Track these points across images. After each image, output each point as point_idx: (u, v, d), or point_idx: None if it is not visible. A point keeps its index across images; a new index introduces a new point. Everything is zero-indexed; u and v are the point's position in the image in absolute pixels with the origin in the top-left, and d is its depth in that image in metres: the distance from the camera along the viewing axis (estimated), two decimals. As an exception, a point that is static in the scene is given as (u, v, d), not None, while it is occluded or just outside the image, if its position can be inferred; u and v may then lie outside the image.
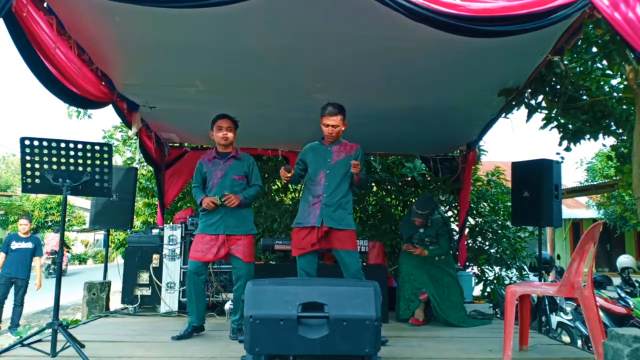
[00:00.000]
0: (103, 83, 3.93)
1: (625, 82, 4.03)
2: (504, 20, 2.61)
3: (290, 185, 8.13)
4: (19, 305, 6.31)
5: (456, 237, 6.10)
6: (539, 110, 4.37)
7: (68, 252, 18.48)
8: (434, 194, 6.41)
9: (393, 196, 7.26)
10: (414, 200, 6.98)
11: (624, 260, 6.25)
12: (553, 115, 4.43)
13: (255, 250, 6.20)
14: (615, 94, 4.33)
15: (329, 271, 3.82)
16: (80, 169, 3.14)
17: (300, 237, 3.48)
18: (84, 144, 3.15)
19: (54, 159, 3.08)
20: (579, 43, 4.05)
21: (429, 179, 6.88)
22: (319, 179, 3.49)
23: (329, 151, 3.55)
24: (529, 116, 4.32)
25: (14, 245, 6.34)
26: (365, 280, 3.27)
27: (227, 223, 3.59)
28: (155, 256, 4.90)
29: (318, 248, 3.47)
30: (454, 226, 6.20)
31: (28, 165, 3.05)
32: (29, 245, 6.43)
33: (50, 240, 16.00)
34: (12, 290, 6.34)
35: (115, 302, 5.14)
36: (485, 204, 7.03)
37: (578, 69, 4.41)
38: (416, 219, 4.48)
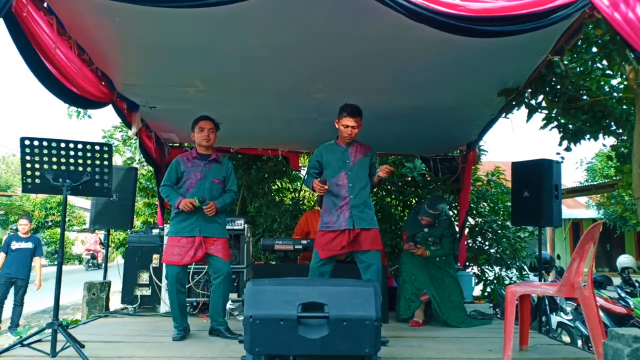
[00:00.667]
0: (103, 83, 3.93)
1: (626, 82, 4.03)
2: (504, 20, 2.61)
3: (290, 185, 8.15)
4: (18, 305, 6.30)
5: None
6: (539, 110, 4.36)
7: (103, 249, 18.91)
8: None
9: (393, 196, 7.26)
10: (414, 201, 6.99)
11: (624, 260, 6.25)
12: (553, 115, 4.43)
13: (255, 251, 6.25)
14: (615, 94, 4.33)
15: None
16: (80, 169, 3.14)
17: (328, 239, 3.47)
18: (84, 144, 3.14)
19: (54, 159, 3.08)
20: (579, 43, 4.04)
21: (429, 179, 6.87)
22: (341, 181, 3.49)
23: (346, 152, 3.55)
24: (529, 116, 4.31)
25: (14, 245, 6.34)
26: (365, 281, 3.27)
27: (203, 225, 3.56)
28: (155, 256, 4.90)
29: (347, 251, 3.48)
30: (453, 226, 6.20)
31: (28, 165, 3.05)
32: (29, 245, 6.43)
33: (89, 239, 19.18)
34: (12, 290, 6.34)
35: (115, 302, 5.14)
36: (485, 204, 7.03)
37: (578, 69, 4.41)
38: (425, 217, 4.47)
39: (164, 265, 4.72)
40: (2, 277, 6.22)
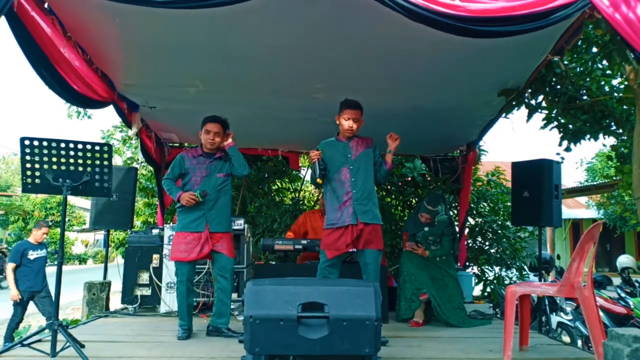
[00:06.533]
0: (104, 83, 3.93)
1: (626, 82, 4.03)
2: (504, 20, 2.61)
3: (290, 185, 8.16)
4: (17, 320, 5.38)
5: (456, 237, 6.10)
6: (539, 110, 4.37)
7: None
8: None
9: (393, 196, 7.26)
10: (414, 201, 7.00)
11: (624, 260, 6.26)
12: (553, 115, 4.42)
13: (255, 250, 6.25)
14: (615, 94, 4.33)
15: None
16: (80, 169, 3.14)
17: (334, 238, 3.43)
18: (84, 144, 3.14)
19: (54, 159, 3.08)
20: (579, 43, 4.05)
21: (429, 179, 6.87)
22: (344, 176, 3.46)
23: (347, 147, 3.53)
24: (529, 116, 4.31)
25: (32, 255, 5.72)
26: (365, 281, 3.27)
27: (210, 219, 3.57)
28: (155, 256, 4.90)
29: (352, 248, 3.43)
30: (453, 226, 6.19)
31: (28, 165, 3.05)
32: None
33: None
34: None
35: (115, 302, 5.14)
36: (485, 204, 7.03)
37: (578, 69, 4.41)
38: (424, 214, 4.47)
39: (167, 263, 4.75)
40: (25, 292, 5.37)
